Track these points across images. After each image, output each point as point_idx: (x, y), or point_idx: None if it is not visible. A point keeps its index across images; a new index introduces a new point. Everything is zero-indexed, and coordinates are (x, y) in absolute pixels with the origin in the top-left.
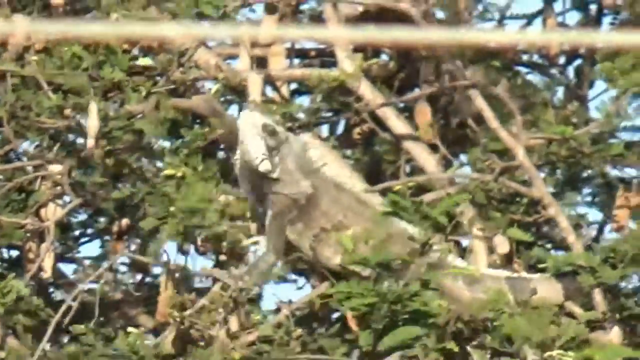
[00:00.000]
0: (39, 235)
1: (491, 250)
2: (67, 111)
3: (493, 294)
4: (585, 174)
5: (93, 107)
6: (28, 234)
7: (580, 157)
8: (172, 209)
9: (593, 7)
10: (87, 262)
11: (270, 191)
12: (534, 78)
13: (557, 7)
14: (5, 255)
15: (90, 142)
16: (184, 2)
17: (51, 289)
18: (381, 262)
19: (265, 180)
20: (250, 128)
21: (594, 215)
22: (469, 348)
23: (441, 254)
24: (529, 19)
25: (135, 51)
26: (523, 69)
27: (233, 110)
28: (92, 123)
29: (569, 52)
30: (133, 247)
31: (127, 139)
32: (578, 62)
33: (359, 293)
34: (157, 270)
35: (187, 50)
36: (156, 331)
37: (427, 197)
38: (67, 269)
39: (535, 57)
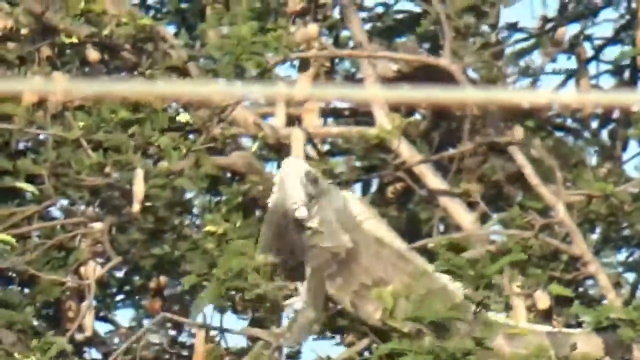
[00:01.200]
0: (78, 293)
1: (530, 307)
2: (107, 169)
3: (534, 348)
4: (624, 233)
5: (139, 173)
6: (67, 292)
7: (619, 215)
8: (214, 271)
9: (627, 71)
10: (122, 320)
11: (308, 243)
12: (568, 141)
13: (591, 70)
14: (44, 312)
15: (136, 207)
16: (225, 59)
17: (84, 349)
18: (434, 321)
19: (301, 230)
20: (292, 173)
21: (631, 276)
22: None
23: (496, 312)
24: (564, 80)
25: (172, 109)
26: (557, 132)
27: (271, 167)
28: (138, 188)
29: (602, 114)
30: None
31: (166, 196)
32: (612, 124)
33: (413, 351)
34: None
35: (226, 107)
36: None
37: (467, 255)
38: (101, 327)
39: (569, 121)
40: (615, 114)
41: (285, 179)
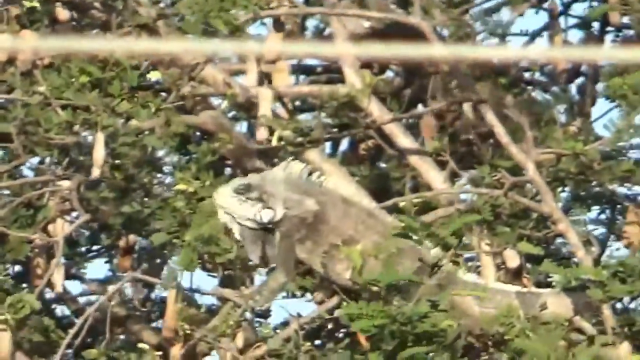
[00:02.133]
0: (47, 251)
1: (500, 265)
2: (76, 127)
3: (503, 308)
4: (593, 191)
5: (100, 137)
6: (36, 250)
7: (589, 174)
8: (186, 237)
9: (596, 25)
10: (90, 278)
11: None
12: (537, 96)
13: (560, 25)
14: (12, 270)
15: (96, 172)
16: (194, 18)
17: (54, 305)
18: (391, 283)
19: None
20: (228, 202)
21: (600, 232)
22: None
23: (450, 272)
24: (533, 36)
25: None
26: (527, 88)
27: (241, 126)
28: (98, 153)
29: (571, 70)
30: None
31: (135, 154)
32: (580, 80)
33: (369, 315)
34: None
35: (196, 66)
36: (161, 347)
37: (436, 214)
38: (72, 285)
39: (537, 75)
40: (584, 69)
41: (228, 210)
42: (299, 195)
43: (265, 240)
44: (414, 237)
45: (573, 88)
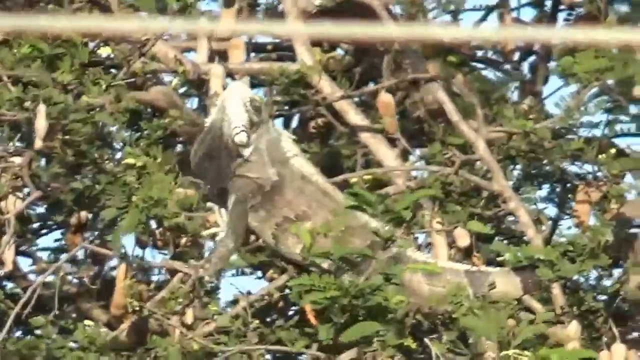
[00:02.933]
0: None
1: (451, 243)
2: (27, 103)
3: (452, 287)
4: (544, 170)
5: (42, 108)
6: None
7: (540, 152)
8: (133, 199)
9: (548, 4)
10: (43, 255)
11: (235, 171)
12: (489, 74)
13: (512, 2)
14: None
15: (38, 143)
16: None
17: (5, 282)
18: (343, 256)
19: (231, 155)
20: (237, 97)
21: (551, 211)
22: (427, 341)
23: (402, 247)
24: (485, 14)
25: (94, 44)
26: (478, 65)
27: (192, 103)
28: (40, 124)
29: (523, 48)
30: (91, 240)
31: (86, 131)
32: (532, 58)
33: (320, 286)
34: (113, 263)
35: (147, 42)
36: (110, 325)
37: (387, 191)
38: (23, 262)
39: (490, 54)
40: (536, 47)
41: (229, 101)
42: (268, 157)
43: (219, 153)
44: (369, 211)
45: (525, 66)
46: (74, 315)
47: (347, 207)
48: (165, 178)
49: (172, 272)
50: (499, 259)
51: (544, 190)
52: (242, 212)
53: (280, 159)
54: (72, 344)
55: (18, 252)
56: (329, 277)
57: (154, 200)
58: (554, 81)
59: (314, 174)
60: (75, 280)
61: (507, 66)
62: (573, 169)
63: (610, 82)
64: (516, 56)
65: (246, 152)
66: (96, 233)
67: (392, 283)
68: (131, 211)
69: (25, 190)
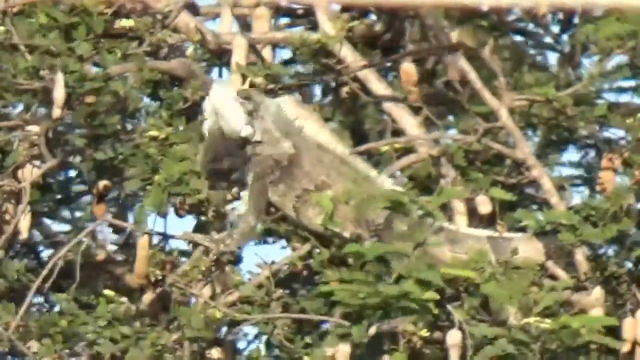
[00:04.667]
0: (16, 197)
1: (472, 211)
2: (44, 72)
3: (474, 253)
4: (568, 136)
5: (59, 77)
6: (5, 196)
7: (563, 119)
8: (156, 177)
9: None
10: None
11: (250, 153)
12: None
13: None
14: None
15: (57, 112)
16: None
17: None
18: (380, 256)
19: (244, 146)
20: (224, 97)
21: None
22: (450, 307)
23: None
24: None
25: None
26: (517, 37)
27: (213, 73)
28: (58, 93)
29: (563, 18)
30: (113, 210)
31: (106, 100)
32: (572, 30)
33: (353, 291)
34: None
35: (169, 13)
36: (141, 291)
37: (409, 159)
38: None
39: (530, 26)
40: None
41: (218, 104)
42: (280, 134)
43: (228, 151)
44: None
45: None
46: (105, 281)
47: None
48: (187, 149)
49: (194, 243)
50: (521, 226)
51: (570, 155)
52: (261, 188)
53: (292, 130)
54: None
55: (38, 222)
56: (361, 273)
57: (175, 178)
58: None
59: (330, 142)
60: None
61: (548, 38)
62: (599, 135)
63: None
64: (556, 28)
65: (257, 136)
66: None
67: (425, 286)
68: (154, 190)
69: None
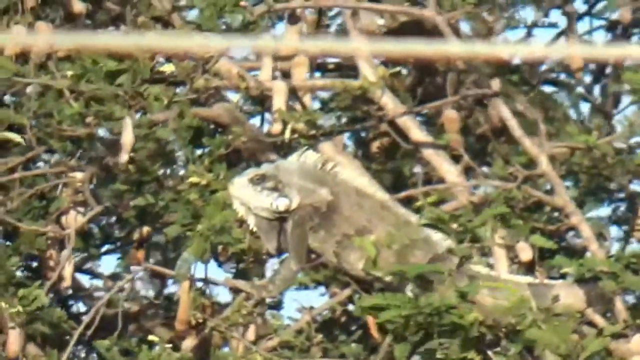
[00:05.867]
0: (60, 244)
1: (513, 258)
2: (89, 119)
3: (516, 299)
4: (606, 185)
5: (128, 122)
6: (49, 242)
7: (602, 168)
8: (198, 227)
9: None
10: (106, 273)
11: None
12: (560, 96)
13: (585, 26)
14: (25, 262)
15: (124, 157)
16: (207, 11)
17: (69, 300)
18: (420, 275)
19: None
20: (243, 190)
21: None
22: (490, 354)
23: (477, 264)
24: (557, 35)
25: (156, 61)
26: (549, 88)
27: (255, 120)
28: (127, 138)
29: (595, 70)
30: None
31: (149, 147)
32: (605, 80)
33: (396, 305)
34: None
35: (210, 59)
36: (173, 343)
37: (450, 206)
38: (86, 279)
39: (562, 76)
40: (608, 70)
41: (243, 199)
42: (313, 184)
43: (281, 230)
44: (442, 227)
45: (597, 89)
46: (137, 334)
47: (422, 224)
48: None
49: (236, 290)
50: (562, 271)
51: (607, 209)
52: (302, 234)
53: (327, 178)
54: None
55: (82, 270)
56: (401, 294)
57: (218, 227)
58: (626, 103)
59: (367, 186)
60: (138, 299)
61: (580, 88)
62: (636, 186)
63: None
64: (588, 78)
65: (294, 204)
66: (158, 250)
67: (467, 301)
68: (196, 239)
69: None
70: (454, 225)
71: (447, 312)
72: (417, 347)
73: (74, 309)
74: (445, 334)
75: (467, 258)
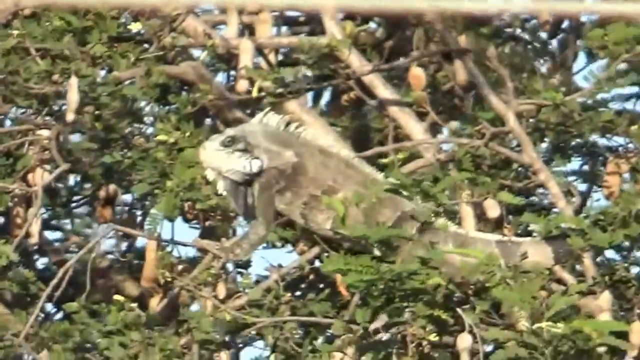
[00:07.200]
0: (27, 201)
1: (480, 215)
2: (56, 76)
3: (484, 257)
4: (574, 143)
5: (73, 81)
6: (15, 199)
7: (570, 124)
8: (168, 183)
9: None
10: (71, 229)
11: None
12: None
13: None
14: None
15: (70, 116)
16: None
17: (36, 256)
18: (382, 240)
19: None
20: (215, 154)
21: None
22: (459, 310)
23: (440, 228)
24: None
25: (123, 18)
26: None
27: (221, 77)
28: (72, 97)
29: (552, 24)
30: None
31: (115, 104)
32: (562, 34)
33: (357, 270)
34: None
35: (177, 17)
36: (142, 298)
37: (416, 164)
38: (53, 235)
39: (518, 31)
40: (566, 25)
41: (214, 164)
42: (277, 146)
43: (248, 193)
44: (405, 194)
45: (554, 43)
46: (106, 289)
47: (385, 190)
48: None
49: (204, 250)
50: (529, 231)
51: (575, 163)
52: (268, 198)
53: (291, 139)
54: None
55: (49, 227)
56: (365, 257)
57: (186, 184)
58: (583, 58)
59: (332, 146)
60: (107, 255)
61: (536, 43)
62: (603, 141)
63: None
64: (547, 30)
65: (264, 163)
66: (126, 208)
67: (429, 267)
68: (165, 196)
69: (53, 163)
70: (416, 190)
71: (409, 277)
72: (379, 311)
73: (40, 265)
74: (408, 299)
75: (429, 223)
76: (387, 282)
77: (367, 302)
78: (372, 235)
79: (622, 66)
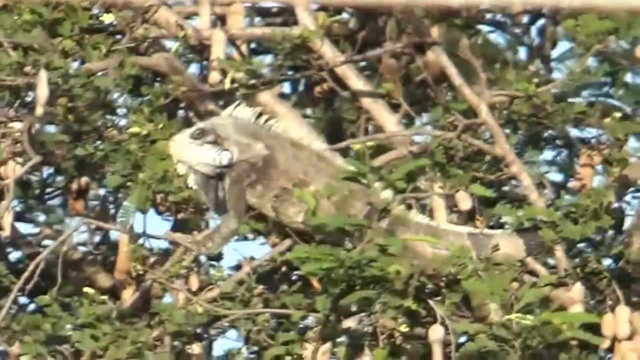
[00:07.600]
0: None
1: (452, 207)
2: (28, 68)
3: (456, 249)
4: (546, 134)
5: (43, 75)
6: None
7: (542, 116)
8: (140, 175)
9: None
10: (44, 221)
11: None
12: (498, 37)
13: None
14: None
15: (40, 110)
16: None
17: (8, 248)
18: (340, 228)
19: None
20: (185, 147)
21: (555, 176)
22: (431, 302)
23: (402, 214)
24: None
25: (95, 9)
26: (486, 28)
27: (194, 68)
28: (41, 91)
29: (532, 12)
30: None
31: (88, 96)
32: (541, 22)
33: (316, 258)
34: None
35: (149, 8)
36: (114, 290)
37: (389, 156)
38: (25, 229)
39: (499, 17)
40: (545, 11)
41: (184, 157)
42: (248, 139)
43: (219, 187)
44: (363, 181)
45: (534, 31)
46: (78, 281)
47: (341, 177)
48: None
49: (176, 243)
50: (501, 223)
51: (547, 154)
52: (239, 192)
53: (262, 132)
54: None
55: (22, 219)
56: (326, 246)
57: (159, 176)
58: (563, 46)
59: (303, 137)
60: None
61: (517, 30)
62: (576, 133)
63: (614, 45)
64: (525, 20)
65: (235, 156)
66: (98, 200)
67: (388, 254)
68: (138, 188)
69: (26, 156)
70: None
71: (368, 265)
72: (339, 299)
73: (13, 258)
74: (367, 286)
75: (387, 210)
76: (346, 270)
77: (327, 289)
78: (330, 223)
79: (596, 55)
